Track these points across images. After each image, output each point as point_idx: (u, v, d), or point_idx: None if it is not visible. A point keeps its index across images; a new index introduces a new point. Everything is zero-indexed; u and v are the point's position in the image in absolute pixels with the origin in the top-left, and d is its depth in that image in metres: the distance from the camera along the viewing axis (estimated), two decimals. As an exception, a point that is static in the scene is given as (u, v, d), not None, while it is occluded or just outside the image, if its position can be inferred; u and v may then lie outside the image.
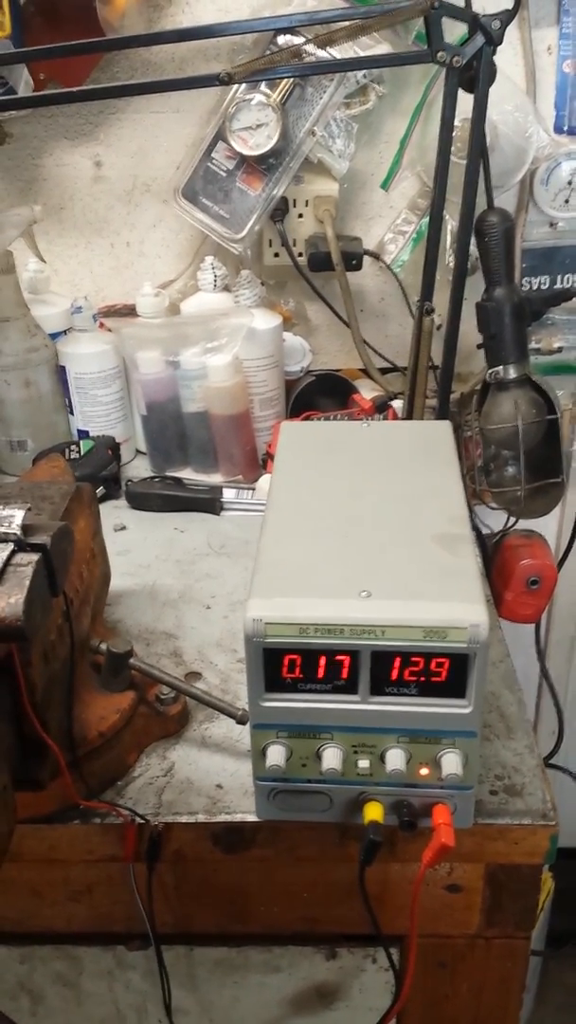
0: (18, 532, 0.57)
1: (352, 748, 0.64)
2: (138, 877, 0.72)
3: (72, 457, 1.16)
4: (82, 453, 1.17)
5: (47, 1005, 0.84)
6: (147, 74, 1.19)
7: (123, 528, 1.11)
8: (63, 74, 1.14)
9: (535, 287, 1.33)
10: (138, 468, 1.26)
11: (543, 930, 1.60)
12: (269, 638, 0.61)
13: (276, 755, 0.64)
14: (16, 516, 0.58)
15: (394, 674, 0.62)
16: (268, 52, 1.10)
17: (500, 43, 0.94)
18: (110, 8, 1.12)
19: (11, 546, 0.56)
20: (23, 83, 1.09)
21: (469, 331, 1.09)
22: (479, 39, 0.94)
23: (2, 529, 0.57)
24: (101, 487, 1.15)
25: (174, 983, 0.78)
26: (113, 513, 1.14)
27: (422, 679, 0.62)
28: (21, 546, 0.57)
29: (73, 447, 1.17)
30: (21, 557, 0.56)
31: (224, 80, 0.95)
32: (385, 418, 1.19)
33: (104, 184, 1.26)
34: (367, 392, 1.27)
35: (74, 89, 1.08)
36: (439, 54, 0.95)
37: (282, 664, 0.63)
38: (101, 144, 1.24)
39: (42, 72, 1.13)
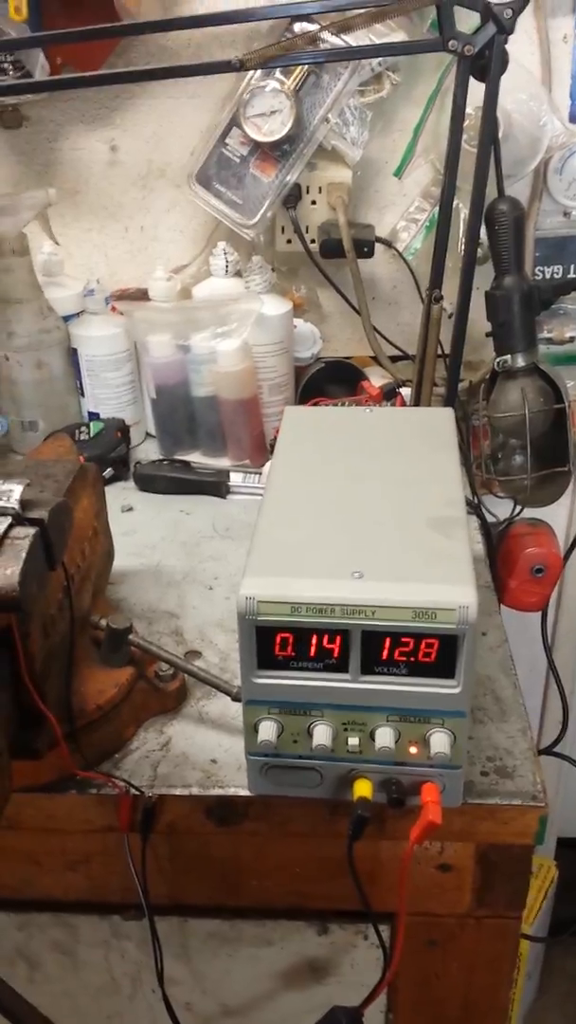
0: (16, 507, 0.59)
1: (342, 725, 0.66)
2: (133, 848, 0.74)
3: (82, 438, 1.17)
4: (92, 435, 1.18)
5: (44, 972, 0.86)
6: (163, 60, 1.20)
7: (130, 509, 1.13)
8: (79, 59, 1.15)
9: (548, 276, 1.33)
10: (147, 451, 1.27)
11: (546, 918, 1.61)
12: (262, 616, 0.63)
13: (268, 731, 0.65)
14: (15, 491, 0.59)
15: (384, 654, 0.63)
16: (283, 39, 1.11)
17: (512, 32, 0.94)
18: (127, -7, 1.13)
19: (9, 520, 0.58)
20: (39, 67, 1.10)
21: (479, 319, 1.09)
22: (491, 28, 0.94)
23: (1, 503, 0.59)
24: (110, 469, 1.16)
25: (167, 953, 0.80)
26: (121, 494, 1.15)
27: (412, 659, 0.63)
28: (19, 520, 0.58)
29: (83, 428, 1.19)
30: (18, 531, 0.58)
31: (238, 66, 0.95)
32: (393, 404, 1.20)
33: (119, 168, 1.27)
34: (376, 379, 1.28)
35: (89, 74, 1.09)
36: (451, 43, 0.95)
37: (274, 642, 0.64)
38: (117, 129, 1.25)
39: (59, 57, 1.14)
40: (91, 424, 1.19)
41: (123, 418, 1.22)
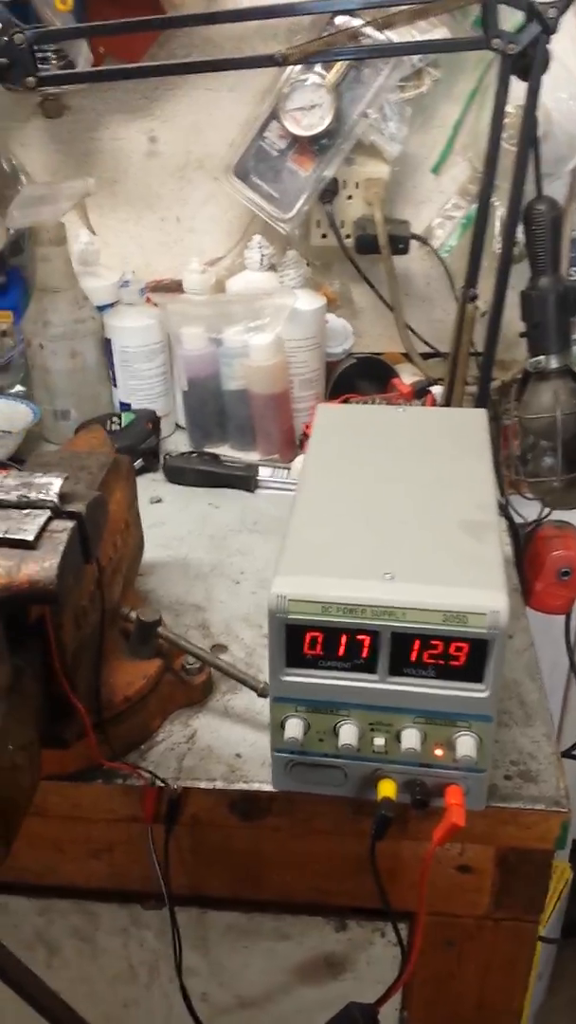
0: (55, 500, 0.59)
1: (369, 726, 0.66)
2: (156, 839, 0.75)
3: (113, 429, 1.18)
4: (123, 425, 1.19)
5: (62, 957, 0.87)
6: (205, 51, 1.20)
7: (159, 501, 1.13)
8: (122, 49, 1.15)
9: (585, 278, 1.31)
10: (176, 442, 1.27)
11: (559, 920, 1.60)
12: (292, 614, 0.63)
13: (294, 728, 0.66)
14: (54, 484, 0.60)
15: (413, 656, 0.63)
16: (325, 32, 1.11)
17: (555, 31, 0.94)
18: (171, -16, 1.13)
19: (48, 513, 0.58)
20: (82, 57, 1.10)
21: (513, 319, 1.09)
22: (534, 27, 0.93)
23: (40, 496, 0.59)
24: (140, 460, 1.17)
25: (186, 944, 0.80)
26: (150, 486, 1.16)
27: (440, 662, 0.63)
28: (57, 513, 0.59)
29: (114, 419, 1.19)
30: (57, 524, 0.58)
31: (279, 61, 0.95)
32: (424, 403, 1.20)
33: (157, 159, 1.27)
34: (408, 377, 1.28)
35: (131, 66, 1.09)
36: (494, 41, 0.94)
37: (303, 640, 0.64)
38: (156, 119, 1.25)
39: (101, 47, 1.15)
40: (122, 414, 1.20)
41: (154, 409, 1.23)
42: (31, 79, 0.94)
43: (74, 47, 1.12)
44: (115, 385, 1.25)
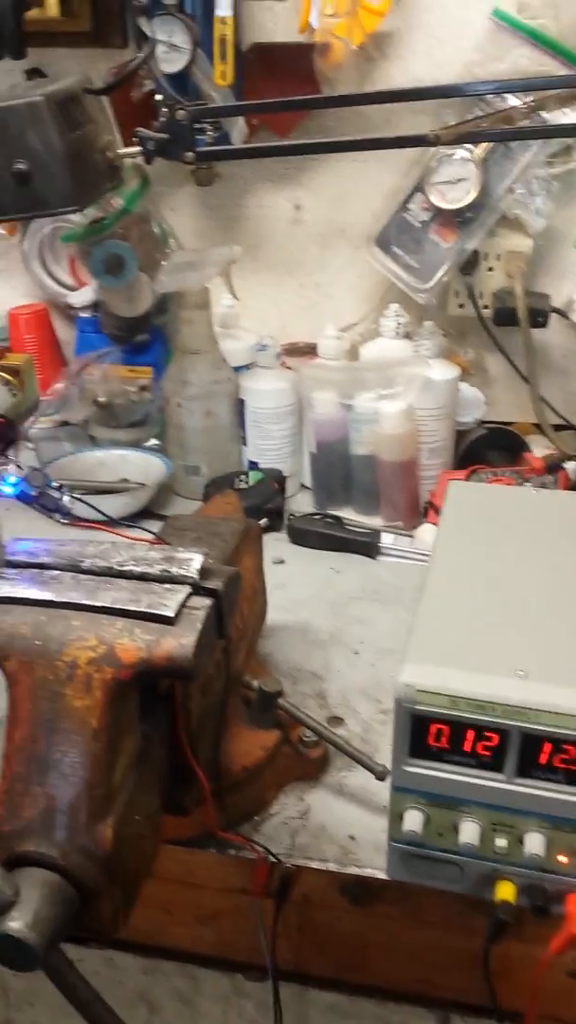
0: (196, 576, 0.61)
1: (491, 825, 0.64)
2: (264, 912, 0.75)
3: (240, 487, 1.20)
4: (250, 484, 1.21)
5: (163, 1018, 0.87)
6: (355, 123, 1.23)
7: (281, 562, 1.14)
8: (275, 122, 1.19)
9: None
10: (300, 503, 1.29)
11: None
12: (419, 705, 0.62)
13: (413, 821, 0.65)
14: (195, 560, 0.61)
15: (543, 759, 0.61)
16: (477, 110, 1.12)
17: None
18: (327, 60, 1.16)
19: (188, 589, 0.60)
20: (237, 130, 1.15)
21: None
22: None
23: (181, 572, 0.61)
24: (265, 519, 1.19)
25: (286, 1019, 0.80)
26: (273, 546, 1.17)
27: (572, 767, 0.61)
28: (196, 589, 0.60)
29: (242, 477, 1.22)
30: (196, 601, 0.60)
31: (432, 142, 0.97)
32: (556, 480, 1.18)
33: (301, 227, 1.30)
34: (539, 449, 1.26)
35: (286, 143, 1.13)
36: None
37: (429, 732, 0.63)
38: (302, 188, 1.28)
39: (255, 119, 1.19)
40: (250, 473, 1.22)
41: (281, 469, 1.24)
42: (190, 154, 0.98)
43: (230, 120, 1.16)
44: (245, 444, 1.27)
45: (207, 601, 0.60)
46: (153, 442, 1.30)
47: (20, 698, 0.58)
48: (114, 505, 1.18)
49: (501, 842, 0.64)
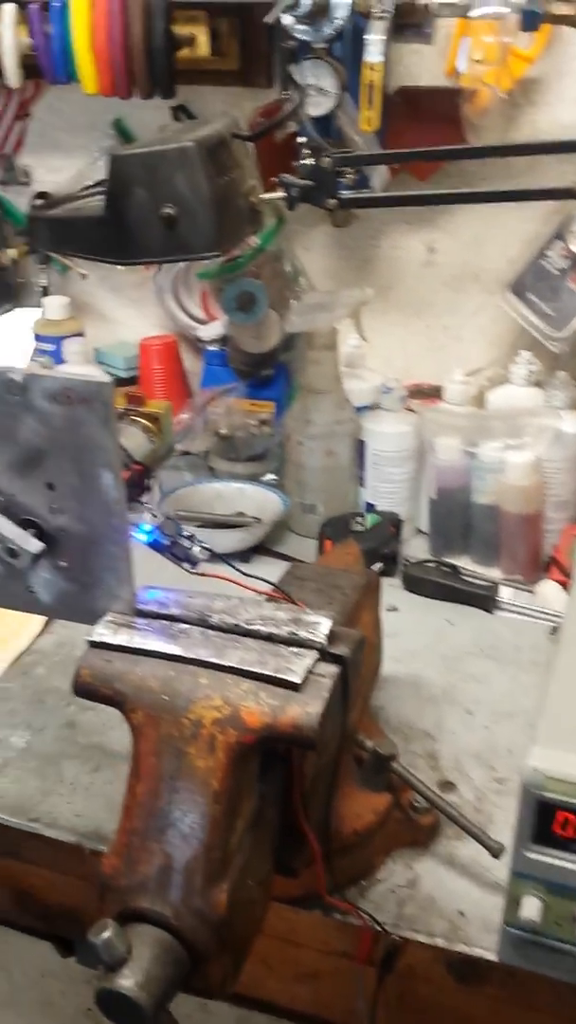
0: (323, 641, 0.60)
1: (614, 922, 0.61)
2: (366, 979, 0.73)
3: (356, 528, 1.19)
4: (367, 526, 1.19)
5: (252, 1070, 0.86)
6: (497, 168, 1.21)
7: (395, 609, 1.12)
8: (416, 166, 1.18)
9: None
10: (416, 548, 1.26)
11: None
12: (547, 792, 0.60)
13: (531, 908, 0.62)
14: (323, 625, 0.61)
15: None
16: (624, 160, 1.09)
17: None
18: (473, 106, 1.15)
19: (315, 654, 0.59)
20: (378, 175, 1.14)
21: None
22: None
23: (309, 636, 0.60)
24: (379, 563, 1.17)
25: None
26: (388, 592, 1.14)
27: None
28: (323, 655, 0.60)
29: (359, 519, 1.21)
30: (323, 667, 0.59)
31: (578, 194, 0.94)
32: None
33: (433, 269, 1.29)
34: None
35: (428, 192, 1.13)
36: None
37: (555, 819, 0.61)
38: (438, 231, 1.27)
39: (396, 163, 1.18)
40: (368, 515, 1.21)
41: (398, 513, 1.23)
42: (332, 201, 0.98)
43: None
44: (363, 485, 1.26)
45: (334, 668, 0.59)
46: (270, 477, 1.30)
47: (144, 752, 0.58)
48: (230, 541, 1.18)
49: (624, 941, 0.61)
